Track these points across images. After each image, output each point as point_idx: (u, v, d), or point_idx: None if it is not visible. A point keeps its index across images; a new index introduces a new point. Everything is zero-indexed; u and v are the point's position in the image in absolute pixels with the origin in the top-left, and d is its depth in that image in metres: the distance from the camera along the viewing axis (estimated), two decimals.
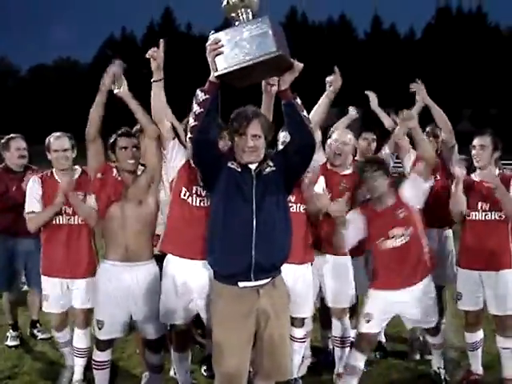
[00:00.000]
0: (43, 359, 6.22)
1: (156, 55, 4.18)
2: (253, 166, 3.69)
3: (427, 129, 5.94)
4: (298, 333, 4.93)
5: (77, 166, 5.38)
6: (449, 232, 5.77)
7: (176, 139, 4.34)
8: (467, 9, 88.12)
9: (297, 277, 4.67)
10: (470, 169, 5.27)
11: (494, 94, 72.65)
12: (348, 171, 5.25)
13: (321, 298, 5.37)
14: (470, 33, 79.89)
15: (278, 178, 3.70)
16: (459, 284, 5.15)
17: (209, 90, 3.54)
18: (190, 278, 4.28)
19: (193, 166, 4.17)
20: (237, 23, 3.49)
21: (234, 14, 3.50)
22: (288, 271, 4.44)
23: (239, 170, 3.67)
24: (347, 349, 5.13)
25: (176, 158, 4.29)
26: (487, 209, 4.90)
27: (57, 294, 5.27)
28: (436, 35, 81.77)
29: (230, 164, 3.70)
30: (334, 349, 5.32)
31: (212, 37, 3.46)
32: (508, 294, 4.89)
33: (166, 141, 4.33)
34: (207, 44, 3.48)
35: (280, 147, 4.82)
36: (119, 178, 4.62)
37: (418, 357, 5.81)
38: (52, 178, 5.31)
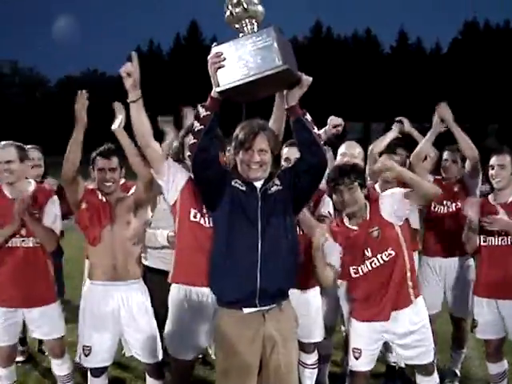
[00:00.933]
0: (50, 376, 5.75)
1: (132, 70, 3.73)
2: (258, 185, 3.49)
3: (445, 155, 5.60)
4: (309, 359, 4.72)
5: (30, 180, 4.97)
6: (470, 261, 5.40)
7: (169, 158, 4.07)
8: (495, 23, 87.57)
9: (305, 301, 4.49)
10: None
11: None
12: None
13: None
14: (497, 48, 79.19)
15: (285, 198, 3.49)
16: (476, 312, 4.83)
17: (210, 106, 3.34)
18: (205, 308, 4.02)
19: None
20: (241, 35, 3.29)
21: (238, 26, 3.31)
22: (293, 296, 4.31)
23: (244, 188, 3.46)
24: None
25: (175, 177, 3.94)
26: (503, 233, 4.62)
27: (6, 324, 4.73)
28: (463, 50, 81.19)
29: (233, 183, 3.47)
30: None
31: (214, 49, 3.26)
32: None
33: (158, 163, 3.95)
34: (209, 57, 3.28)
35: (283, 163, 4.56)
36: (104, 200, 4.47)
37: None
38: (0, 193, 4.76)
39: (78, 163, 4.28)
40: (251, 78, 3.15)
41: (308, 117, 3.45)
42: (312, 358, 4.74)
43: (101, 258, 4.42)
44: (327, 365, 5.18)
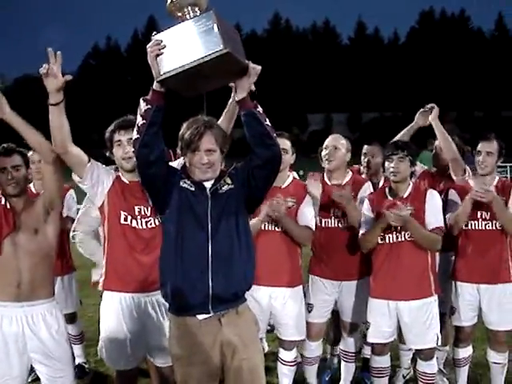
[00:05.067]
0: None
1: (56, 72, 3.38)
2: (208, 185, 3.30)
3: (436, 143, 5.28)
4: (288, 356, 4.62)
5: None
6: (451, 254, 5.03)
7: (92, 161, 3.82)
8: (450, 12, 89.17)
9: (286, 299, 4.42)
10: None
11: (478, 97, 73.29)
12: (346, 179, 4.79)
13: (335, 312, 5.07)
14: (453, 36, 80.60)
15: (238, 197, 3.31)
16: (455, 298, 4.77)
17: (152, 99, 3.14)
18: (141, 314, 3.84)
19: (125, 181, 3.82)
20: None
21: (180, 14, 3.08)
22: (277, 295, 4.35)
23: (193, 189, 3.27)
24: (353, 365, 4.90)
25: (99, 180, 3.78)
26: (488, 218, 4.58)
27: None
28: (420, 39, 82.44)
29: (182, 183, 3.28)
30: (340, 362, 5.08)
31: (153, 38, 3.06)
32: (506, 308, 4.61)
33: (80, 168, 3.76)
34: (147, 46, 3.05)
35: None
36: (8, 206, 3.89)
37: None
38: None
39: None
40: (192, 64, 2.95)
41: (259, 109, 3.26)
42: (291, 355, 4.64)
43: (2, 273, 3.81)
44: (316, 365, 5.05)
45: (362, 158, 5.20)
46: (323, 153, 4.73)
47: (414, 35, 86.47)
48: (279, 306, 4.35)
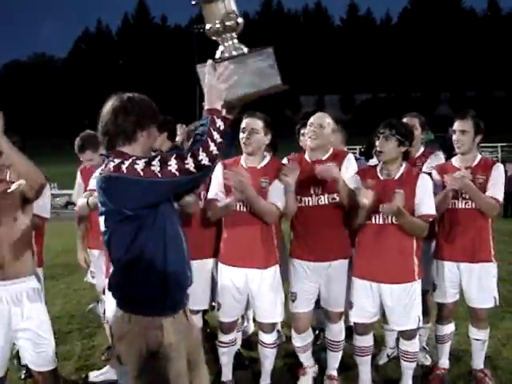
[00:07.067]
0: None
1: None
2: None
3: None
4: (268, 338, 4.61)
5: None
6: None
7: None
8: None
9: (262, 281, 4.42)
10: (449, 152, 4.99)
11: (471, 77, 73.27)
12: (327, 155, 4.56)
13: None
14: (445, 16, 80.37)
15: None
16: (437, 276, 4.85)
17: (227, 123, 3.04)
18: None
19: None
20: (226, 46, 3.19)
21: (219, 38, 3.23)
22: (253, 276, 4.32)
23: None
24: (340, 352, 4.93)
25: None
26: (468, 197, 4.61)
27: None
28: (412, 19, 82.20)
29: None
30: (326, 351, 5.04)
31: (218, 64, 3.13)
32: (486, 286, 4.69)
33: None
34: (217, 73, 3.05)
35: (241, 133, 4.37)
36: None
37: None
38: None
39: None
40: (253, 94, 3.17)
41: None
42: (271, 337, 4.61)
43: None
44: (309, 351, 5.00)
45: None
46: (307, 130, 4.57)
47: (407, 16, 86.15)
48: (255, 287, 4.34)
